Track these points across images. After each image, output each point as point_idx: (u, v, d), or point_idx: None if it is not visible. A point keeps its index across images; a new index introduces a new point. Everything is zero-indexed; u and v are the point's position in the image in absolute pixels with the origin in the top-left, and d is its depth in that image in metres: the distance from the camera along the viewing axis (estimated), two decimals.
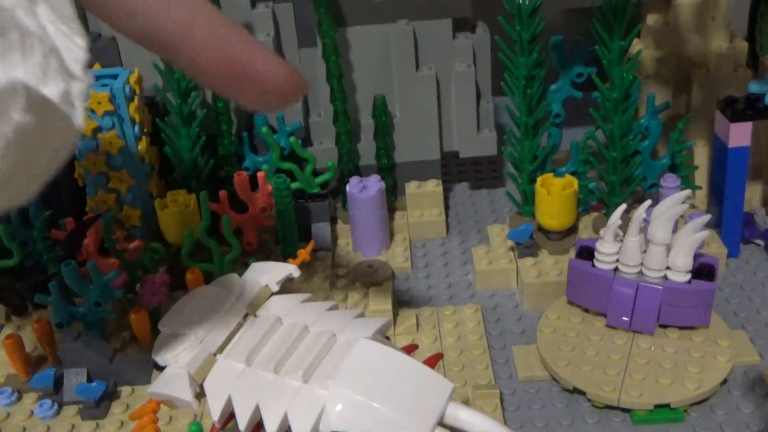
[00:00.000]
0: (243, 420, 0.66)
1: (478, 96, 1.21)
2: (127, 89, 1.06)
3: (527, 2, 1.01)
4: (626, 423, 0.89)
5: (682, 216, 1.07)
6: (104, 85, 1.06)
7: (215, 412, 0.67)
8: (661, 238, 0.92)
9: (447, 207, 1.29)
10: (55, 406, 0.93)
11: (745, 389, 0.91)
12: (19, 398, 0.96)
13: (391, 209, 1.22)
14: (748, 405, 0.89)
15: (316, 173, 1.18)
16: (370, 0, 1.15)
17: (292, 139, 1.14)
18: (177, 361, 0.69)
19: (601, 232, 0.97)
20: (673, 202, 0.93)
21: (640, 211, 0.94)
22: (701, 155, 1.19)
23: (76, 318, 0.98)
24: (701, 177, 1.18)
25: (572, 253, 1.08)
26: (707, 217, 0.93)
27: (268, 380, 0.67)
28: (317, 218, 1.18)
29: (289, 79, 0.60)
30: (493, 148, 1.22)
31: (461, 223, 1.26)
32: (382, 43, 1.16)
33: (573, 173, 1.14)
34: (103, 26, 1.20)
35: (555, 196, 1.05)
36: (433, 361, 0.74)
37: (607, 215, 1.13)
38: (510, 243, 1.12)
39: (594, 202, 1.16)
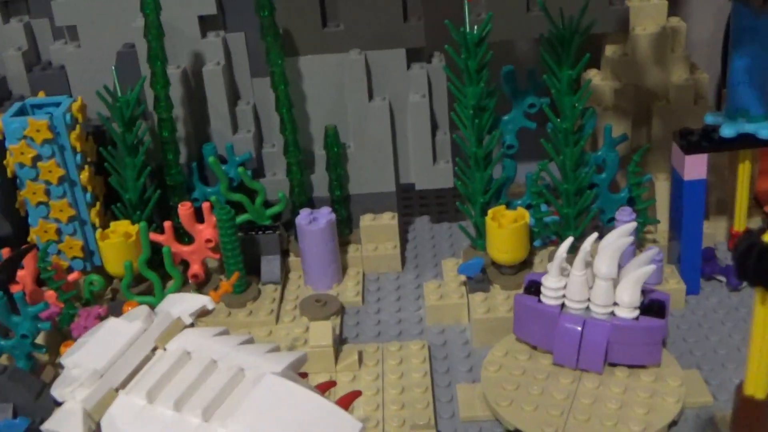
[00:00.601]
0: None
1: (435, 127, 1.18)
2: (68, 117, 1.04)
3: (474, 31, 0.99)
4: None
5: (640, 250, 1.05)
6: (45, 113, 1.04)
7: None
8: (606, 272, 0.89)
9: (405, 240, 1.26)
10: None
11: None
12: None
13: (345, 242, 1.19)
14: None
15: (267, 205, 1.15)
16: (322, 29, 1.13)
17: (240, 169, 1.12)
18: (74, 396, 0.65)
19: (547, 266, 0.94)
20: (618, 234, 0.90)
21: (586, 245, 0.91)
22: (662, 188, 1.16)
23: (4, 351, 0.95)
24: (662, 211, 1.15)
25: None
26: (654, 251, 0.90)
27: (168, 418, 0.63)
28: (267, 251, 1.15)
29: None
30: (449, 180, 1.19)
31: (418, 257, 1.23)
32: (335, 72, 1.14)
33: (528, 206, 1.11)
34: (53, 55, 1.18)
35: (505, 229, 1.02)
36: (347, 399, 0.70)
37: None
38: (463, 277, 1.09)
39: (552, 236, 1.13)
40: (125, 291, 1.05)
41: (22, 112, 1.05)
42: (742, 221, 1.09)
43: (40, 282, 1.03)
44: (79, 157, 1.06)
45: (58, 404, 0.66)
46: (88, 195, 1.08)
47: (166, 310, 0.73)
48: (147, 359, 0.69)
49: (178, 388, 0.65)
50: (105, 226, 1.08)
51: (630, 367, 0.92)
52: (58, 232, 1.08)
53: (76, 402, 0.65)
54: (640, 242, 1.08)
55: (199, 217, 1.09)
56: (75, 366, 0.68)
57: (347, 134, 1.17)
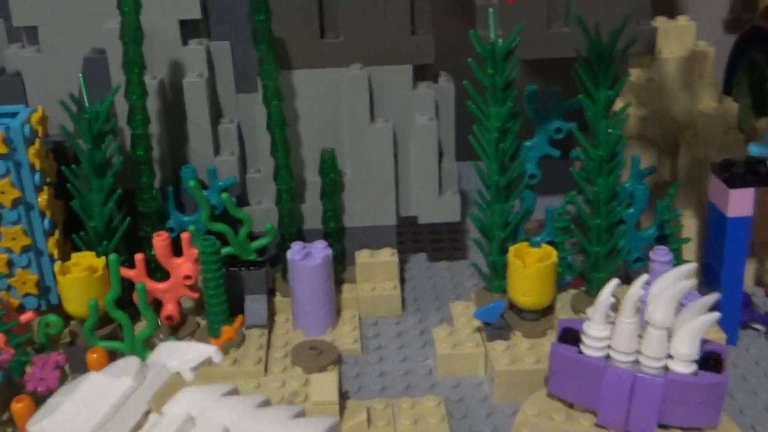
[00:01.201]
0: None
1: (441, 154, 1.06)
2: (27, 130, 0.89)
3: (501, 42, 0.87)
4: None
5: None
6: (0, 125, 0.88)
7: None
8: (662, 320, 0.78)
9: (402, 280, 1.12)
10: None
11: None
12: None
13: (339, 281, 1.06)
14: None
15: (252, 237, 1.01)
16: (320, 40, 1.00)
17: (224, 195, 0.98)
18: None
19: (589, 311, 0.82)
20: (676, 277, 0.79)
21: (637, 287, 0.79)
22: (689, 227, 1.06)
23: None
24: (689, 251, 1.05)
25: (551, 337, 0.93)
26: (714, 297, 0.79)
27: None
28: (252, 289, 1.00)
29: None
30: (456, 213, 1.07)
31: (418, 299, 1.10)
32: (333, 90, 1.02)
33: (547, 244, 0.99)
34: (8, 60, 1.03)
35: (531, 268, 0.90)
36: None
37: (588, 293, 0.99)
38: (476, 323, 0.97)
39: (570, 278, 1.01)
40: (88, 335, 0.89)
41: None
42: None
43: None
44: (37, 176, 0.91)
45: None
46: (47, 221, 0.93)
47: (161, 362, 0.59)
48: (139, 426, 0.55)
49: None
50: (65, 258, 0.93)
51: (683, 429, 0.80)
52: (10, 263, 0.93)
53: None
54: None
55: (176, 249, 0.95)
56: None
57: (343, 159, 1.04)
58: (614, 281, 0.82)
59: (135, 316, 0.94)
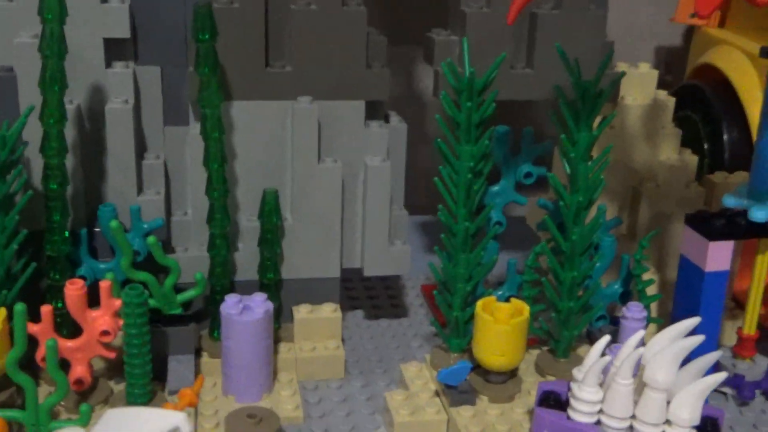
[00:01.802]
0: None
1: (390, 200, 0.97)
2: None
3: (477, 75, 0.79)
4: None
5: None
6: None
7: None
8: (663, 382, 0.70)
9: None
10: None
11: None
12: None
13: (274, 340, 0.94)
14: None
15: (177, 289, 0.88)
16: (264, 69, 0.90)
17: (151, 239, 0.84)
18: None
19: (576, 372, 0.73)
20: (675, 334, 0.72)
21: (631, 347, 0.71)
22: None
23: None
24: (652, 307, 0.98)
25: (520, 402, 0.84)
26: (717, 354, 0.72)
27: None
28: (177, 349, 0.87)
29: None
30: (406, 265, 0.98)
31: (360, 360, 0.99)
32: (277, 125, 0.91)
33: (507, 299, 0.91)
34: None
35: (505, 325, 0.81)
36: None
37: (554, 352, 0.90)
38: (434, 387, 0.86)
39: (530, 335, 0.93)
40: None
41: None
42: (753, 323, 0.94)
43: None
44: None
45: None
46: None
47: None
48: None
49: None
50: None
51: None
52: None
53: None
54: None
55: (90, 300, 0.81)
56: None
57: (284, 203, 0.93)
58: (605, 338, 0.74)
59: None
